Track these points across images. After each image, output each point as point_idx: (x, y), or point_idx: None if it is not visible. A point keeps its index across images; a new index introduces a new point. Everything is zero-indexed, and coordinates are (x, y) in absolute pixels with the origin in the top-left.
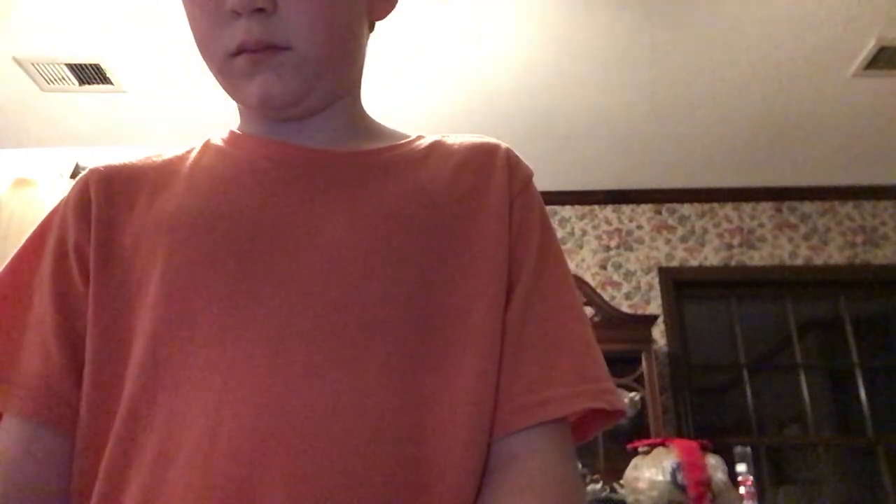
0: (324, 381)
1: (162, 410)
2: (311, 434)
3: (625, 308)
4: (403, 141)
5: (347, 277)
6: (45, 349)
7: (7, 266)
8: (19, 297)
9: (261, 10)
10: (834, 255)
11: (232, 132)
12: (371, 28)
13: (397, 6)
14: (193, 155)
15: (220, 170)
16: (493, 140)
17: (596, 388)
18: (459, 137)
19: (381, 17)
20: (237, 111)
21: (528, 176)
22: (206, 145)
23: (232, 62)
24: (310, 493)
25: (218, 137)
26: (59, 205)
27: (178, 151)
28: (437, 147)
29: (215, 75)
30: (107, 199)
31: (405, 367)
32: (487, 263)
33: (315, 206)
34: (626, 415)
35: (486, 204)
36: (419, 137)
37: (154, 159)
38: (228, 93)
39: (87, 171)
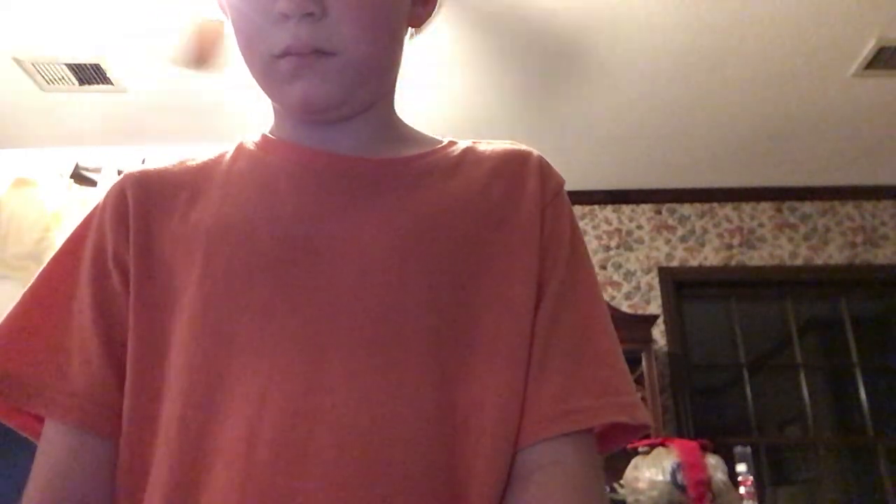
0: (362, 389)
1: (200, 417)
2: (349, 443)
3: (625, 308)
4: (436, 147)
5: (382, 286)
6: (86, 356)
7: (43, 273)
8: (58, 304)
9: (310, 14)
10: (834, 255)
11: (265, 136)
12: (405, 34)
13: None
14: (227, 159)
15: (254, 176)
16: (524, 147)
17: (621, 401)
18: (491, 144)
19: (419, 25)
20: (271, 111)
21: (560, 184)
22: (240, 149)
23: (276, 64)
24: (348, 500)
25: (250, 141)
26: (94, 210)
27: (211, 155)
28: (469, 154)
29: (255, 76)
30: (144, 205)
31: (439, 375)
32: (519, 272)
33: (349, 215)
34: (649, 428)
35: (519, 212)
36: (451, 143)
37: (188, 164)
38: (268, 94)
39: (122, 176)
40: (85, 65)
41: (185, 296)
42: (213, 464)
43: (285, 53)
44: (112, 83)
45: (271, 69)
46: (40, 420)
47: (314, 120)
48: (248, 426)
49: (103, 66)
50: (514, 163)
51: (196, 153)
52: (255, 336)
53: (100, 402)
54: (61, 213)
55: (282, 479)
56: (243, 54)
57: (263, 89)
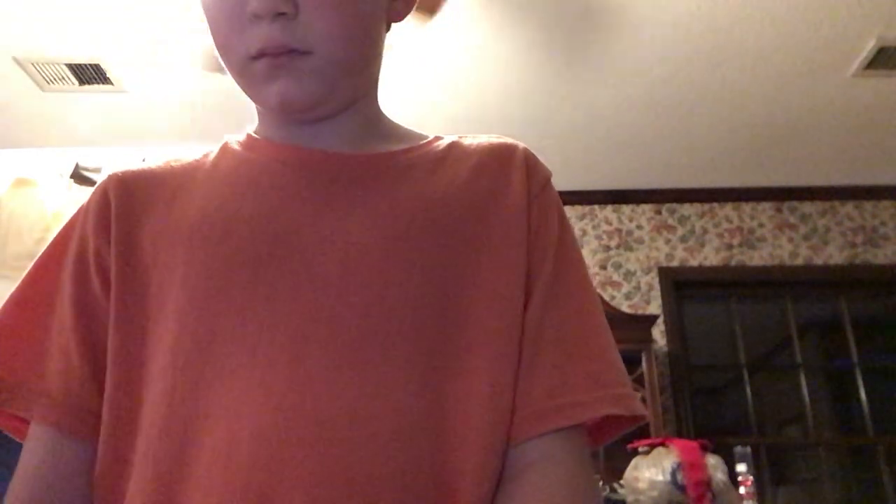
0: (343, 386)
1: (182, 416)
2: (329, 439)
3: (625, 308)
4: (421, 143)
5: (366, 282)
6: (67, 356)
7: (28, 274)
8: (41, 304)
9: (282, 14)
10: (834, 255)
11: (249, 135)
12: (388, 29)
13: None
14: (211, 159)
15: (237, 174)
16: (510, 140)
17: (614, 393)
18: (477, 138)
19: (399, 20)
20: (254, 112)
21: (547, 177)
22: (224, 149)
23: (252, 65)
24: (329, 498)
25: (235, 141)
26: (78, 211)
27: (196, 155)
28: (454, 148)
29: (234, 77)
30: (126, 204)
31: (424, 371)
32: (506, 266)
33: (332, 210)
34: (644, 420)
35: (505, 205)
36: (437, 139)
37: (172, 164)
38: (248, 94)
39: (106, 177)
40: (85, 65)
41: (167, 294)
42: (194, 464)
43: (260, 54)
44: (112, 83)
45: (248, 70)
46: (27, 422)
47: (294, 119)
48: (229, 425)
49: (103, 66)
50: (500, 156)
51: (181, 154)
52: (236, 334)
53: (79, 404)
54: (61, 213)
55: (261, 477)
56: (220, 56)
57: (243, 90)
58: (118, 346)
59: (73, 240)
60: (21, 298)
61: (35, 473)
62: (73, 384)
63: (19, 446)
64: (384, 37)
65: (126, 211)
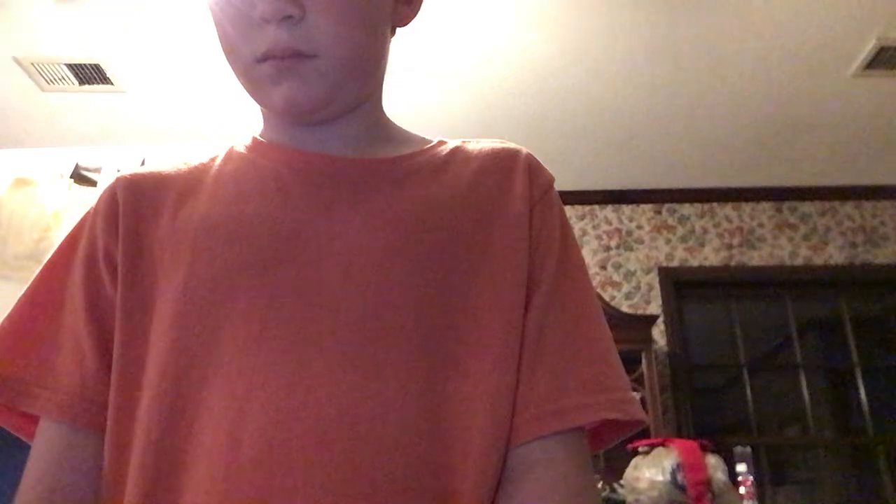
0: (345, 389)
1: (184, 416)
2: (331, 441)
3: (625, 308)
4: (424, 147)
5: (367, 285)
6: (79, 354)
7: (39, 274)
8: (52, 303)
9: (289, 17)
10: (834, 255)
11: (255, 139)
12: (393, 33)
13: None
14: (217, 162)
15: (243, 178)
16: (513, 145)
17: (614, 397)
18: (480, 143)
19: (404, 24)
20: (259, 115)
21: (549, 182)
22: (230, 152)
23: (258, 68)
24: (330, 499)
25: (241, 144)
26: (87, 213)
27: (203, 159)
28: (457, 153)
29: (240, 80)
30: (134, 205)
31: (425, 373)
32: (507, 270)
33: (336, 215)
34: (644, 424)
35: (506, 210)
36: (440, 143)
37: (179, 166)
38: (253, 97)
39: (115, 179)
40: (85, 65)
41: (170, 294)
42: (193, 463)
43: (266, 57)
44: (112, 83)
45: (254, 73)
46: (34, 421)
47: (299, 122)
48: (230, 425)
49: (103, 66)
50: (502, 161)
51: (188, 156)
52: (238, 335)
53: (93, 399)
54: (61, 213)
55: (264, 478)
56: (227, 58)
57: (248, 93)
58: (122, 344)
59: (83, 240)
60: (31, 299)
61: (48, 467)
62: (88, 381)
63: (19, 448)
64: (389, 41)
65: (134, 212)
